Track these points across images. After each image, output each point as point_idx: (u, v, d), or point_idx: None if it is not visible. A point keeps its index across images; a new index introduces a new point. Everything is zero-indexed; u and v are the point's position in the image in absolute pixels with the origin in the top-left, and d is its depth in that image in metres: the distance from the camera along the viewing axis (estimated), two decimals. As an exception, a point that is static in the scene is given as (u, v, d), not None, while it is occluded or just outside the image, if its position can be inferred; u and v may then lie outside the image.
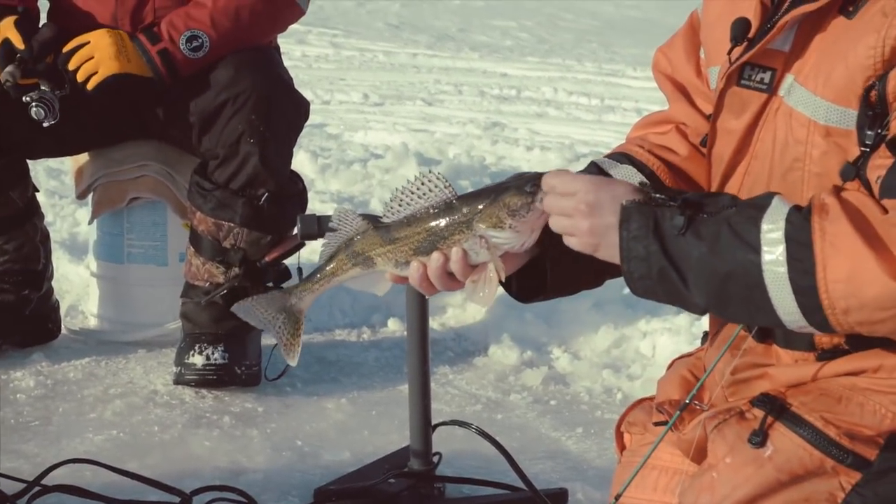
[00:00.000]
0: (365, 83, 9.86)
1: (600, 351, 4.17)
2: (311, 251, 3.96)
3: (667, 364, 2.30)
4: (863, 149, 1.82)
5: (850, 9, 1.86)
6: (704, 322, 2.22)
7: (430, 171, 1.96)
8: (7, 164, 3.83)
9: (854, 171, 1.83)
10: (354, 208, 5.11)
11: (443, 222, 1.94)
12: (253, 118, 3.64)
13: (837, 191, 1.79)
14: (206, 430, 3.51)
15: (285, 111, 3.72)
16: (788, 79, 1.92)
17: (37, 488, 2.98)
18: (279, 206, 3.73)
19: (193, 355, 3.72)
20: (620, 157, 2.15)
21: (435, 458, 3.14)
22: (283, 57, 3.98)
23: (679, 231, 1.80)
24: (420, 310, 3.08)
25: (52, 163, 5.97)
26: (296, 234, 3.24)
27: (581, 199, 1.86)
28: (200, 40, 3.66)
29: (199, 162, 3.79)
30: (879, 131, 1.81)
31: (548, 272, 2.03)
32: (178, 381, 3.74)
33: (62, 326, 4.13)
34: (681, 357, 2.28)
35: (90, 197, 4.09)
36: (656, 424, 2.11)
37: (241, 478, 3.21)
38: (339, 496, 3.11)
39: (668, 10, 16.20)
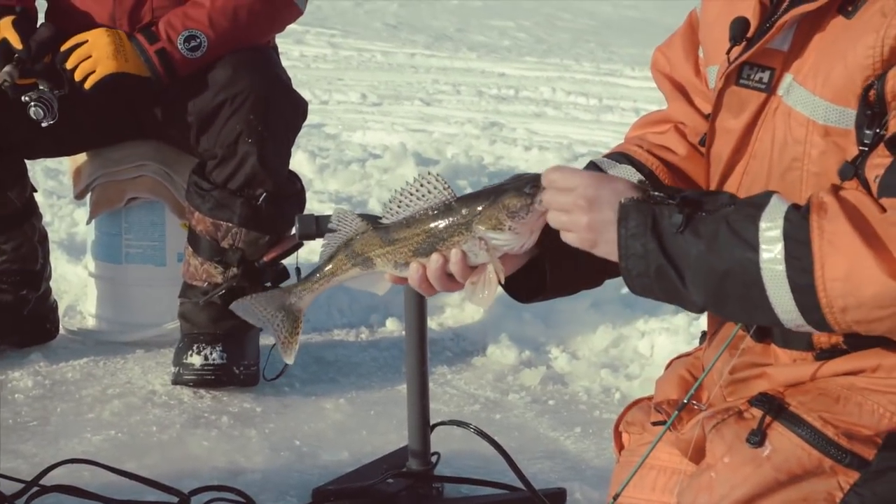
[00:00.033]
0: (363, 83, 9.86)
1: (598, 350, 4.17)
2: (310, 251, 3.97)
3: (665, 364, 2.30)
4: (861, 148, 1.82)
5: (849, 8, 1.86)
6: (703, 322, 2.22)
7: (429, 173, 1.96)
8: (5, 164, 3.83)
9: (852, 170, 1.83)
10: (352, 208, 5.11)
11: (442, 224, 1.94)
12: (251, 118, 3.64)
13: (836, 189, 1.79)
14: (205, 431, 3.51)
15: (283, 111, 3.72)
16: (787, 78, 1.92)
17: (35, 488, 2.98)
18: (277, 206, 3.73)
19: (192, 355, 3.72)
20: (619, 156, 2.15)
21: (433, 458, 3.14)
22: (281, 57, 3.98)
23: (677, 229, 1.80)
24: (418, 310, 3.08)
25: (51, 163, 5.97)
26: (294, 234, 3.25)
27: (580, 194, 1.86)
28: (198, 40, 3.66)
29: (198, 162, 3.79)
30: (878, 130, 1.81)
31: (547, 272, 2.03)
32: (177, 381, 3.74)
33: (60, 326, 4.13)
34: (679, 357, 2.28)
35: (88, 197, 4.08)
36: (654, 424, 2.11)
37: (239, 478, 3.21)
38: (337, 496, 3.11)
39: (666, 10, 16.20)
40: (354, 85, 9.72)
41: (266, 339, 3.90)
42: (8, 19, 3.67)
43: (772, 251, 1.75)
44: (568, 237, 1.89)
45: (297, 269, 3.64)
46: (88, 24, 3.74)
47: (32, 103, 3.60)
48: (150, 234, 4.06)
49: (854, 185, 1.83)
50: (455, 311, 4.42)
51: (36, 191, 4.05)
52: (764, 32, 1.93)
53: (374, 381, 3.93)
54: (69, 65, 3.63)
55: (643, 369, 4.00)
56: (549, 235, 1.94)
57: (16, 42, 3.62)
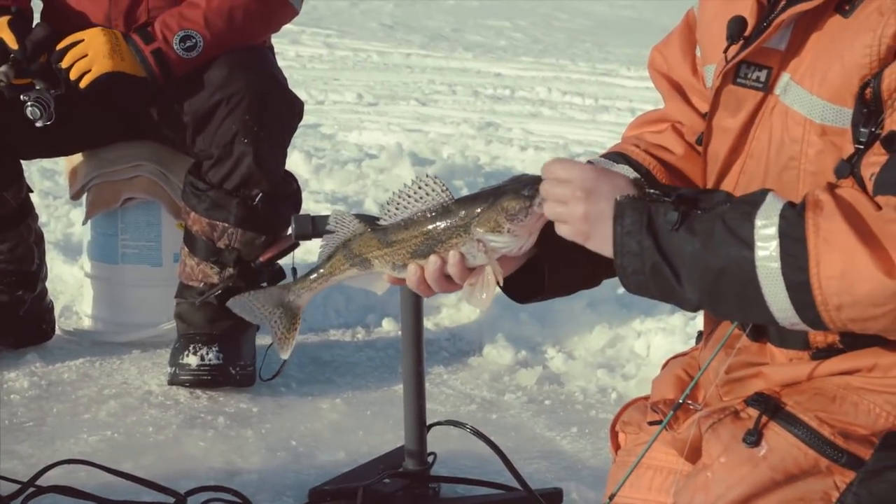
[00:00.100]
0: (359, 83, 9.86)
1: (595, 350, 4.17)
2: (306, 251, 3.97)
3: (661, 363, 2.30)
4: (857, 146, 1.82)
5: (846, 7, 1.86)
6: (699, 321, 2.23)
7: (427, 175, 1.96)
8: (1, 165, 3.82)
9: (848, 168, 1.83)
10: (349, 208, 5.12)
11: (440, 226, 1.94)
12: (247, 118, 3.64)
13: (831, 187, 1.79)
14: (201, 431, 3.50)
15: (279, 111, 3.72)
16: (784, 77, 1.92)
17: (31, 489, 2.98)
18: (273, 207, 3.73)
19: (188, 356, 3.72)
20: (616, 156, 2.15)
21: (430, 458, 3.14)
22: (277, 57, 3.98)
23: (673, 226, 1.80)
24: (415, 310, 3.08)
25: (46, 163, 5.96)
26: (290, 235, 3.25)
27: (579, 185, 1.86)
28: (194, 40, 3.66)
29: (194, 162, 3.79)
30: (874, 129, 1.81)
31: (546, 273, 2.03)
32: (173, 381, 3.74)
33: (56, 327, 4.13)
34: (675, 356, 2.28)
35: (84, 197, 4.08)
36: (651, 424, 2.11)
37: (235, 478, 3.21)
38: (333, 496, 3.11)
39: (662, 10, 16.21)
40: (350, 85, 9.72)
41: (262, 340, 3.90)
42: (3, 19, 3.66)
43: (767, 249, 1.74)
44: (563, 229, 1.89)
45: (294, 270, 3.64)
46: (84, 24, 3.74)
47: (29, 103, 3.60)
48: (147, 235, 4.06)
49: (850, 183, 1.83)
50: (451, 312, 4.42)
51: (32, 191, 4.04)
52: (761, 31, 1.93)
53: (371, 382, 3.93)
54: (64, 63, 3.63)
55: (639, 369, 4.00)
56: (548, 236, 1.94)
57: (11, 42, 3.62)
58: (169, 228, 4.04)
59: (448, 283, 1.97)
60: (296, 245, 3.74)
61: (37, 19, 3.84)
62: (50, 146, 3.91)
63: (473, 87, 9.91)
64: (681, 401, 2.04)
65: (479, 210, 1.92)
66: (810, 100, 1.87)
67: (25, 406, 3.62)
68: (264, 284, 3.74)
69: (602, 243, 1.86)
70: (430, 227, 1.94)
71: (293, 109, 3.79)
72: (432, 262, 1.95)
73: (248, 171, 3.67)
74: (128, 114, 3.88)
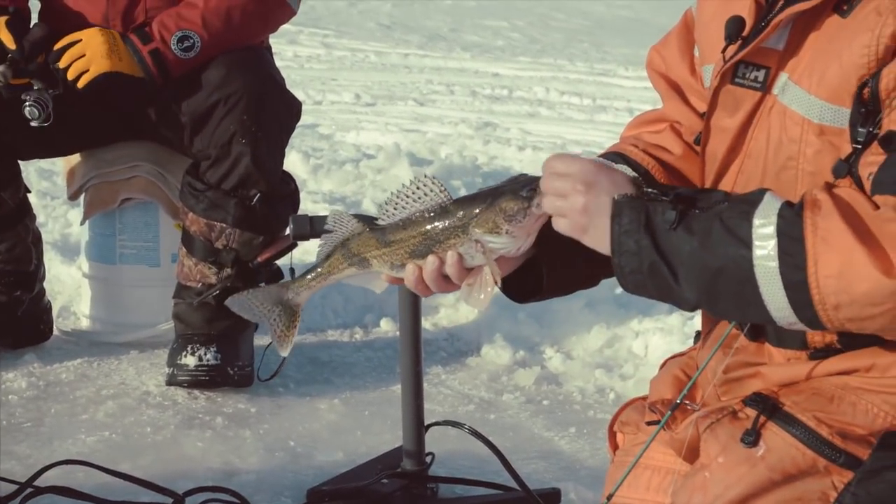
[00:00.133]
0: (356, 83, 9.86)
1: (593, 351, 4.17)
2: (304, 252, 3.97)
3: (659, 363, 2.30)
4: (855, 146, 1.82)
5: (845, 7, 1.86)
6: (697, 321, 2.23)
7: (425, 176, 1.96)
8: (-1, 165, 3.83)
9: (846, 167, 1.83)
10: (346, 208, 5.12)
11: (438, 226, 1.94)
12: (245, 118, 3.64)
13: (829, 187, 1.79)
14: (199, 431, 3.50)
15: (277, 111, 3.72)
16: (782, 77, 1.92)
17: (29, 490, 2.98)
18: (271, 207, 3.73)
19: (186, 356, 3.71)
20: (615, 156, 2.15)
21: (428, 459, 3.14)
22: (275, 57, 3.98)
23: (670, 226, 1.80)
24: (413, 310, 3.08)
25: (44, 164, 5.96)
26: (288, 235, 3.25)
27: (579, 178, 1.86)
28: (192, 41, 3.65)
29: (191, 162, 3.79)
30: (871, 129, 1.81)
31: (544, 273, 2.03)
32: (171, 381, 3.74)
33: (54, 327, 4.13)
34: (673, 356, 2.28)
35: (82, 198, 4.08)
36: (649, 424, 2.11)
37: (233, 478, 3.21)
38: (331, 497, 3.11)
39: (660, 10, 16.22)
40: (348, 85, 9.72)
41: (260, 340, 3.90)
42: (1, 19, 3.66)
43: (765, 248, 1.74)
44: (560, 223, 1.88)
45: (292, 270, 3.64)
46: (81, 24, 3.74)
47: (27, 103, 3.60)
48: (144, 235, 4.06)
49: (847, 182, 1.83)
50: (449, 312, 4.42)
51: (30, 191, 4.05)
52: (759, 31, 1.93)
53: (369, 382, 3.93)
54: (62, 63, 3.63)
55: (637, 369, 4.00)
56: (546, 236, 1.94)
57: (9, 42, 3.62)
58: (167, 229, 4.04)
59: (446, 283, 1.97)
60: (294, 245, 3.74)
61: (35, 19, 3.84)
62: (48, 146, 3.91)
63: (471, 88, 9.91)
64: (678, 401, 2.04)
65: (477, 211, 1.92)
66: (808, 100, 1.87)
67: (23, 406, 3.61)
68: (262, 284, 3.73)
69: (599, 237, 1.86)
70: (429, 227, 1.95)
71: (291, 110, 3.79)
72: (430, 262, 1.95)
73: (246, 171, 3.67)
74: (125, 114, 3.87)
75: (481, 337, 4.22)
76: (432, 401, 3.69)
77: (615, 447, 2.24)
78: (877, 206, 1.73)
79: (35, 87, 3.64)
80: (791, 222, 1.74)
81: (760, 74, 1.95)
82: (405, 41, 12.76)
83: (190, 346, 3.72)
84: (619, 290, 4.18)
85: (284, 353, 2.14)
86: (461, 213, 1.93)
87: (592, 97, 9.69)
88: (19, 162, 3.93)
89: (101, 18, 3.76)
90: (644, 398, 2.20)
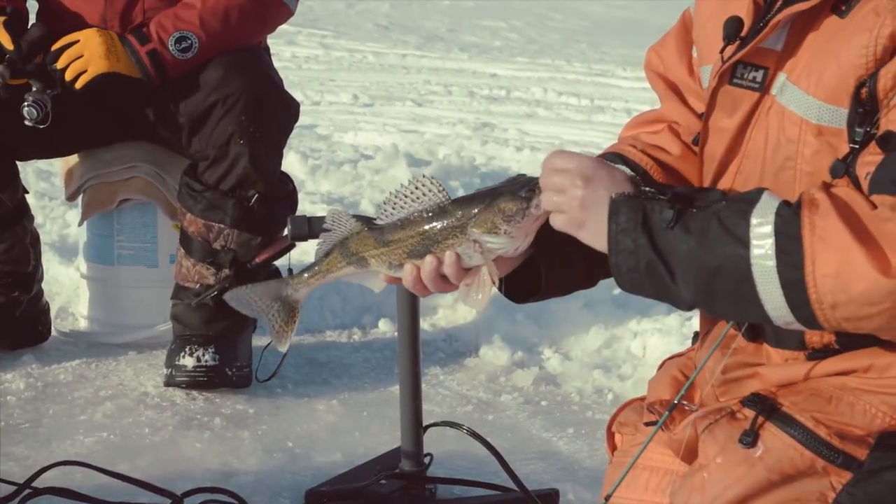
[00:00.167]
0: (354, 84, 9.86)
1: (591, 351, 4.17)
2: (302, 252, 3.96)
3: (658, 364, 2.30)
4: (852, 146, 1.82)
5: (843, 8, 1.86)
6: (695, 322, 2.22)
7: (423, 176, 1.96)
8: (-3, 166, 3.83)
9: (843, 167, 1.83)
10: (345, 209, 5.10)
11: (437, 226, 1.94)
12: (243, 119, 3.64)
13: (827, 186, 1.79)
14: (197, 432, 3.50)
15: (275, 112, 3.72)
16: (781, 78, 1.92)
17: (27, 491, 2.98)
18: (269, 208, 3.73)
19: (184, 357, 3.71)
20: (613, 156, 2.15)
21: (426, 459, 3.14)
22: (273, 58, 3.98)
23: (668, 224, 1.80)
24: (411, 311, 3.08)
25: (42, 164, 5.96)
26: (286, 236, 3.24)
27: (578, 173, 1.85)
28: (189, 41, 3.65)
29: (189, 163, 3.79)
30: (869, 129, 1.81)
31: (542, 273, 2.03)
32: (169, 382, 3.74)
33: (52, 328, 4.13)
34: (672, 357, 2.28)
35: (80, 198, 4.08)
36: (647, 424, 2.11)
37: (232, 479, 3.21)
38: (330, 498, 3.11)
39: (657, 10, 16.22)
40: (346, 86, 9.72)
41: (259, 341, 3.90)
42: (-1, 20, 3.66)
43: (762, 247, 1.74)
44: (558, 219, 1.88)
45: (290, 270, 3.63)
46: (79, 24, 3.74)
47: (26, 104, 3.60)
48: (142, 236, 4.06)
49: (845, 182, 1.83)
50: (447, 312, 4.42)
51: (28, 192, 4.04)
52: (757, 32, 1.93)
53: (367, 383, 3.93)
54: (60, 64, 3.63)
55: (636, 370, 4.00)
56: (544, 236, 1.94)
57: (7, 42, 3.62)
58: (165, 229, 4.04)
59: (444, 283, 1.97)
60: (292, 246, 3.74)
61: (32, 20, 3.84)
62: (46, 147, 3.91)
63: (469, 88, 9.91)
64: (676, 401, 2.04)
65: (475, 211, 1.92)
66: (806, 100, 1.87)
67: (21, 407, 3.61)
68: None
69: (595, 232, 1.85)
70: (427, 227, 1.95)
71: (289, 110, 3.79)
72: (428, 262, 1.95)
73: (244, 172, 3.67)
74: (123, 115, 3.87)
75: (479, 338, 4.22)
76: (430, 401, 3.69)
77: (613, 448, 2.24)
78: (874, 206, 1.73)
79: (33, 88, 3.64)
80: (789, 221, 1.74)
81: (759, 75, 1.95)
82: (403, 42, 12.76)
83: (188, 347, 3.72)
84: (618, 290, 4.18)
85: (283, 349, 2.14)
86: (459, 213, 1.93)
87: (590, 98, 9.70)
88: (17, 163, 3.93)
89: (98, 19, 3.76)
90: (642, 399, 2.20)
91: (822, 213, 1.72)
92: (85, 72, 3.63)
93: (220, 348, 3.72)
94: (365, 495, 3.07)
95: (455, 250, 1.94)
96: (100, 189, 4.02)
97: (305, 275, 2.06)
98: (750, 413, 1.90)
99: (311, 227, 3.04)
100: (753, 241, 1.75)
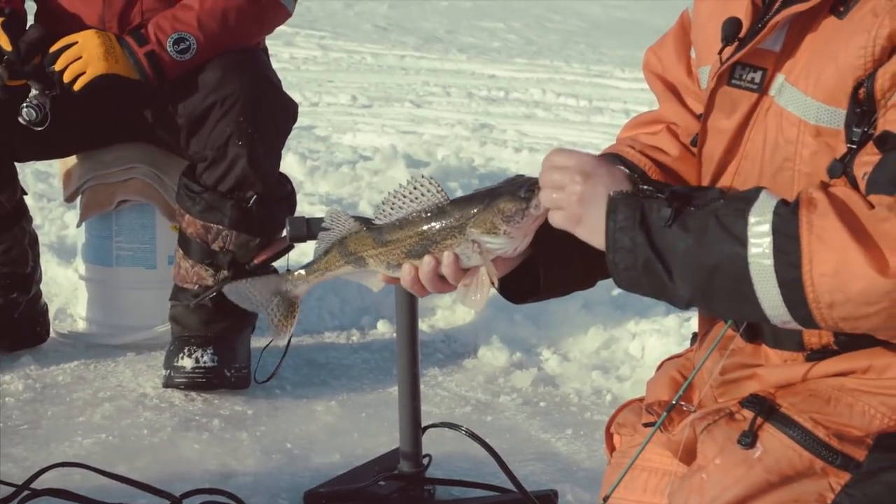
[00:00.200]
0: (353, 85, 9.86)
1: (590, 352, 4.17)
2: (300, 253, 3.97)
3: (656, 365, 2.30)
4: (850, 146, 1.82)
5: (841, 9, 1.86)
6: (694, 323, 2.22)
7: (422, 176, 1.96)
8: (-6, 167, 3.83)
9: (841, 167, 1.83)
10: (343, 210, 5.10)
11: (435, 226, 1.94)
12: (241, 120, 3.64)
13: (825, 186, 1.79)
14: (196, 433, 3.50)
15: (273, 113, 3.72)
16: (779, 79, 1.92)
17: (26, 492, 2.98)
18: (268, 209, 3.72)
19: (182, 358, 3.71)
20: (611, 157, 2.14)
21: (425, 460, 3.14)
22: (271, 59, 3.98)
23: (666, 222, 1.80)
24: (409, 312, 3.08)
25: (40, 166, 5.95)
26: (285, 237, 3.24)
27: (577, 169, 1.86)
28: (187, 42, 3.65)
29: (188, 164, 3.79)
30: (866, 129, 1.81)
31: (541, 273, 2.03)
32: (168, 384, 3.73)
33: (51, 330, 4.12)
34: (670, 358, 2.28)
35: (78, 200, 4.08)
36: (646, 426, 2.11)
37: (230, 481, 3.21)
38: (328, 499, 3.11)
39: (656, 11, 16.23)
40: (344, 87, 9.72)
41: (257, 342, 3.90)
42: (-3, 21, 3.66)
43: (760, 245, 1.74)
44: (556, 216, 1.88)
45: (288, 271, 3.64)
46: (78, 25, 3.74)
47: (24, 105, 3.60)
48: (141, 237, 4.06)
49: (842, 182, 1.83)
50: (446, 313, 4.42)
51: (26, 193, 4.04)
52: (756, 33, 1.93)
53: (366, 384, 3.93)
54: (58, 66, 3.63)
55: (634, 371, 4.00)
56: (543, 236, 1.94)
57: (5, 44, 3.62)
58: (163, 231, 4.03)
59: (442, 283, 1.97)
60: (290, 247, 3.74)
61: (31, 21, 3.84)
62: (44, 148, 3.91)
63: (468, 89, 9.91)
64: (674, 402, 2.04)
65: (474, 211, 1.92)
66: (805, 101, 1.87)
67: (20, 409, 3.61)
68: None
69: (594, 228, 1.85)
70: (425, 227, 1.94)
71: (287, 111, 3.79)
72: (427, 262, 1.95)
73: (243, 173, 3.67)
74: (122, 116, 3.87)
75: (478, 339, 4.22)
76: (429, 402, 3.69)
77: (612, 449, 2.24)
78: (872, 206, 1.73)
79: (32, 89, 3.64)
80: (787, 220, 1.73)
81: (757, 76, 1.95)
82: (401, 43, 12.76)
83: (187, 349, 3.72)
84: (616, 291, 4.19)
85: (282, 342, 2.15)
86: (458, 213, 1.93)
87: (589, 99, 9.69)
88: (16, 164, 3.92)
89: (97, 20, 3.76)
90: (641, 400, 2.20)
91: (820, 212, 1.72)
92: (83, 73, 3.63)
93: (218, 349, 3.72)
94: (364, 496, 3.07)
95: (454, 251, 1.94)
96: (98, 190, 4.02)
97: (304, 272, 2.07)
98: (749, 414, 1.90)
99: (310, 229, 3.04)
100: (751, 240, 1.74)
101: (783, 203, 1.76)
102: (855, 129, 1.81)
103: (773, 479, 1.85)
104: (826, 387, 1.91)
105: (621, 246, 1.82)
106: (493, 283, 1.95)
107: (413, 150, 7.06)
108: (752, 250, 1.74)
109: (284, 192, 3.82)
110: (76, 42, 3.64)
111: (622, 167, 2.10)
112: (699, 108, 2.10)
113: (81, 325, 4.22)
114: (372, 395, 3.84)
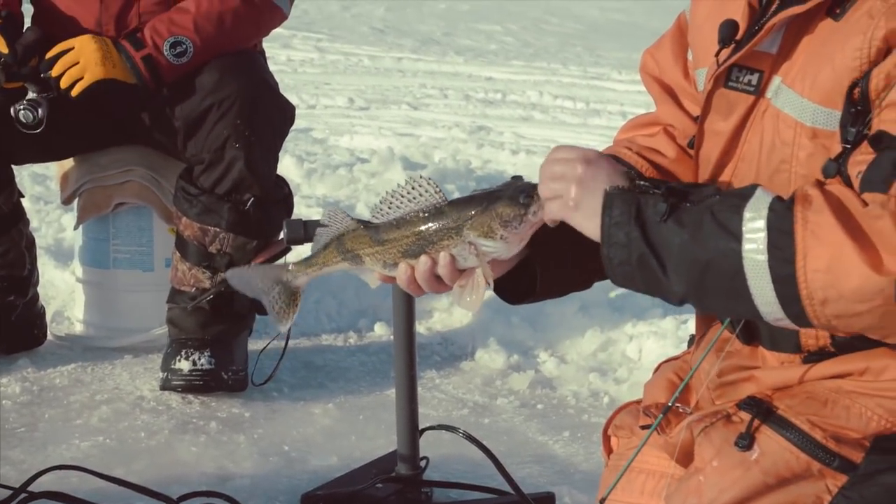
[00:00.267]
0: (350, 87, 9.86)
1: (587, 354, 4.17)
2: (298, 256, 3.96)
3: (653, 367, 2.29)
4: (844, 145, 1.82)
5: (837, 11, 1.86)
6: (691, 325, 2.22)
7: (420, 177, 1.96)
8: (-9, 170, 3.83)
9: (835, 167, 1.83)
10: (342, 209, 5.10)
11: (432, 227, 1.94)
12: (238, 123, 3.64)
13: (820, 184, 1.79)
14: (193, 436, 3.50)
15: (270, 116, 3.72)
16: (776, 81, 1.92)
17: (23, 495, 2.98)
18: (265, 211, 3.73)
19: (180, 361, 3.71)
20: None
21: (422, 463, 3.14)
22: (268, 61, 3.98)
23: (661, 218, 1.79)
24: (407, 314, 3.08)
25: (38, 168, 5.95)
26: (282, 239, 3.25)
27: (580, 158, 1.86)
28: (184, 46, 3.65)
29: (185, 167, 3.79)
30: (861, 129, 1.81)
31: (538, 275, 2.03)
32: (165, 386, 3.73)
33: (48, 332, 4.12)
34: (667, 360, 2.27)
35: (76, 202, 4.08)
36: (643, 428, 2.11)
37: (228, 483, 3.21)
38: (326, 501, 3.11)
39: (653, 14, 16.23)
40: (341, 89, 9.72)
41: (254, 345, 3.90)
42: (-7, 24, 3.66)
43: (755, 241, 1.74)
44: (553, 205, 1.87)
45: (287, 264, 3.64)
46: (75, 28, 3.74)
47: (21, 108, 3.60)
48: (138, 240, 4.06)
49: (836, 181, 1.83)
50: (443, 316, 4.42)
51: (23, 196, 4.04)
52: (753, 35, 1.93)
53: (363, 386, 3.93)
54: (56, 72, 3.63)
55: (631, 373, 4.00)
56: (540, 237, 1.94)
57: (1, 46, 3.62)
58: (160, 233, 4.04)
59: (438, 283, 1.97)
60: (288, 250, 3.74)
61: (27, 23, 3.84)
62: (41, 151, 3.91)
63: (465, 91, 9.91)
64: (670, 404, 2.04)
65: (472, 213, 1.92)
66: (801, 103, 1.87)
67: (17, 412, 3.61)
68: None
69: (589, 216, 1.84)
70: (423, 227, 1.94)
71: (284, 114, 3.79)
72: (423, 262, 1.95)
73: (240, 175, 3.67)
74: (119, 119, 3.87)
75: (475, 341, 4.22)
76: (426, 405, 3.69)
77: (609, 451, 2.24)
78: (866, 204, 1.73)
79: (29, 92, 3.64)
80: (781, 216, 1.73)
81: (754, 78, 1.95)
82: (398, 45, 12.75)
83: (184, 351, 3.72)
84: (614, 294, 4.19)
85: (283, 329, 2.16)
86: (456, 214, 1.92)
87: (586, 101, 9.69)
88: (13, 166, 3.92)
89: (93, 23, 3.76)
90: (638, 402, 2.20)
91: (815, 208, 1.72)
92: (81, 79, 3.63)
93: (215, 352, 3.72)
94: (361, 499, 3.07)
95: (450, 251, 1.93)
96: (95, 193, 4.02)
97: (303, 264, 2.07)
98: (746, 416, 1.90)
99: (307, 231, 3.04)
100: (746, 236, 1.74)
101: (778, 199, 1.76)
102: (850, 129, 1.81)
103: (771, 481, 1.85)
104: (823, 389, 1.91)
105: (616, 241, 1.82)
106: (489, 285, 1.95)
107: (410, 153, 7.06)
108: (747, 246, 1.74)
109: (281, 194, 3.82)
110: (73, 47, 3.64)
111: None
112: (696, 111, 2.10)
113: (78, 328, 4.22)
114: (369, 397, 3.84)
